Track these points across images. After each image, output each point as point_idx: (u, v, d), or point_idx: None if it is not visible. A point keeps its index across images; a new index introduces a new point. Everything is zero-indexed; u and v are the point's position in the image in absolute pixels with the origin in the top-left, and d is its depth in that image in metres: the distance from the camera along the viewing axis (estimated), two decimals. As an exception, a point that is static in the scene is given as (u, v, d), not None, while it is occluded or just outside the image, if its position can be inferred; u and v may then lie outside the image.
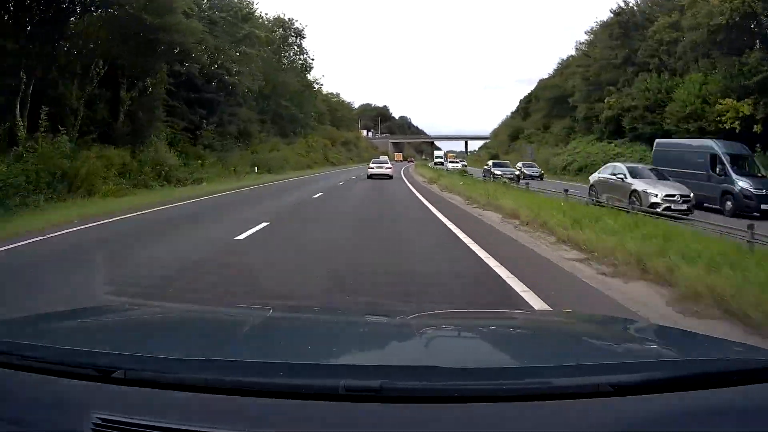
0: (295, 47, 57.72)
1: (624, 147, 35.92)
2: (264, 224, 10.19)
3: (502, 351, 1.62)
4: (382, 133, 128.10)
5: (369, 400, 1.09)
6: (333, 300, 4.87)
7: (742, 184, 14.98)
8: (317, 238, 9.25)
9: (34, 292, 5.18)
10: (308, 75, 60.99)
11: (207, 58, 33.97)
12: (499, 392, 1.13)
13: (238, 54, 35.80)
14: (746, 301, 4.14)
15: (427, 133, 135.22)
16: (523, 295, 5.10)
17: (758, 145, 24.35)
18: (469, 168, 48.73)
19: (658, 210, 12.09)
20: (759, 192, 14.68)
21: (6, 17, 19.52)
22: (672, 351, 1.62)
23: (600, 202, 12.86)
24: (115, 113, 25.51)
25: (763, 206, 14.31)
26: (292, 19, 57.86)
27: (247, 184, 25.97)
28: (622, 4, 42.21)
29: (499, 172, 30.13)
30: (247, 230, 9.36)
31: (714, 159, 16.01)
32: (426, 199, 17.42)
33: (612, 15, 42.55)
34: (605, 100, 40.63)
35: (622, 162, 20.46)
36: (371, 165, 35.69)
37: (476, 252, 7.54)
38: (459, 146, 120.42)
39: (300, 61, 58.69)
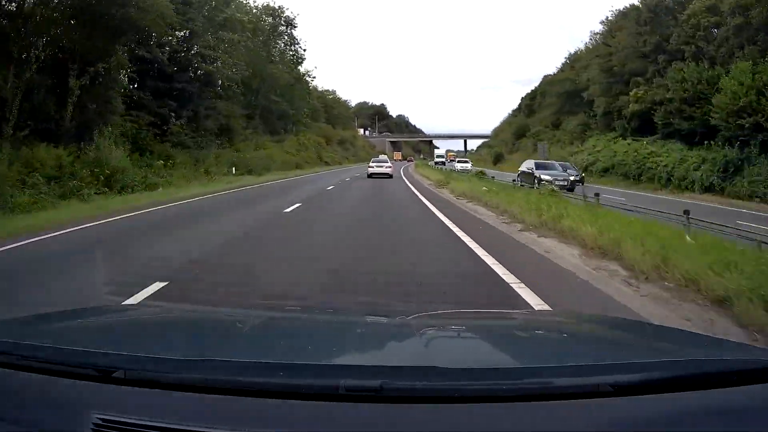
0: (286, 37, 52.81)
1: (657, 145, 31.40)
2: (155, 287, 5.25)
3: (502, 351, 1.63)
4: (379, 131, 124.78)
5: (369, 400, 1.09)
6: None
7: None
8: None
9: None
10: (300, 67, 56.21)
11: (177, 43, 29.36)
12: (499, 392, 1.12)
13: (215, 39, 31.05)
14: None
15: (425, 132, 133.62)
16: None
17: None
18: (468, 167, 44.30)
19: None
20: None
21: None
22: (672, 351, 1.59)
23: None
24: (63, 105, 21.13)
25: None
26: (282, 6, 52.92)
27: (215, 189, 21.14)
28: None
29: (548, 177, 22.03)
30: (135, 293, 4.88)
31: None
32: (443, 213, 12.65)
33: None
34: (631, 93, 36.19)
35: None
36: (371, 164, 35.26)
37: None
38: (457, 145, 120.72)
39: (291, 53, 53.83)
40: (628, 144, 34.88)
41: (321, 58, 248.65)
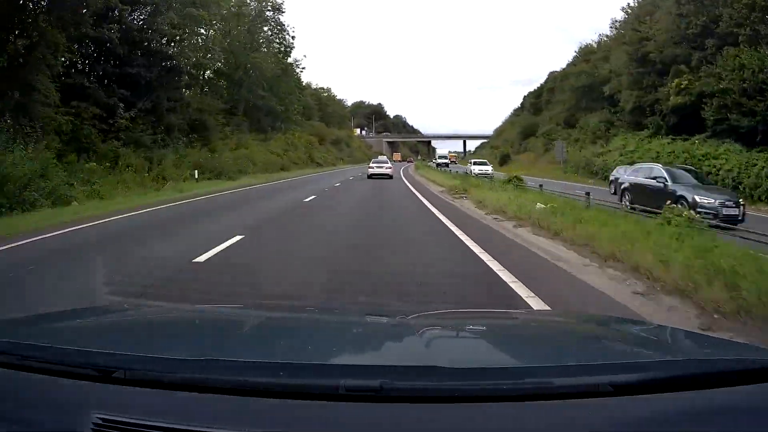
0: (272, 23, 47.45)
1: (711, 145, 26.19)
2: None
3: (502, 351, 1.61)
4: (377, 131, 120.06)
5: (369, 400, 1.08)
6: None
7: None
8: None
9: None
10: (288, 58, 50.80)
11: (132, 19, 24.00)
12: (499, 392, 1.12)
13: (181, 17, 25.64)
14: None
15: (423, 133, 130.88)
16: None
17: None
18: (489, 170, 38.54)
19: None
20: None
21: None
22: (672, 351, 1.59)
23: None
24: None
25: None
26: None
27: (149, 202, 15.37)
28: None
29: (708, 202, 12.86)
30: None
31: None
32: (498, 262, 7.20)
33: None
34: (671, 84, 31.02)
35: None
36: (371, 165, 35.56)
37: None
38: (456, 146, 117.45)
39: (278, 41, 48.45)
40: (668, 144, 29.71)
41: (317, 58, 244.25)
